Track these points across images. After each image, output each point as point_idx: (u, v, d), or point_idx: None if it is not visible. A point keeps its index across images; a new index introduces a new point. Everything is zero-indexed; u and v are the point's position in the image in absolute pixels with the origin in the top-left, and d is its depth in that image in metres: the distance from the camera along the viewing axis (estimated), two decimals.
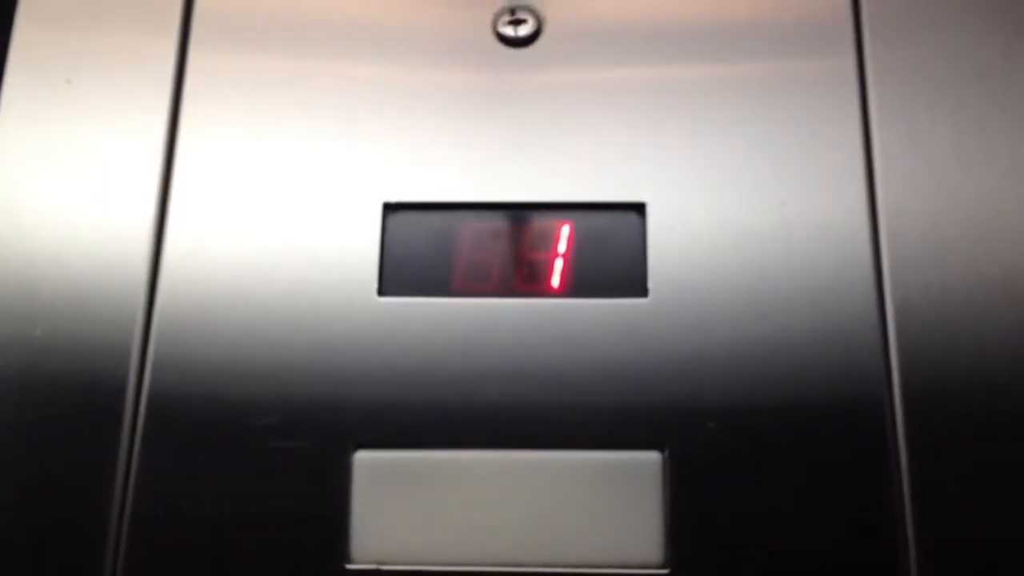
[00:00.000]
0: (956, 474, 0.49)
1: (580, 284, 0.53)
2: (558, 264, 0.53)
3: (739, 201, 0.53)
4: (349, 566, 0.49)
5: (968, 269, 0.52)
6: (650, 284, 0.52)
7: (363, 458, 0.50)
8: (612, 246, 0.54)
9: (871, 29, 0.56)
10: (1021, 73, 0.55)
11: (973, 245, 0.52)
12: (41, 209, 0.54)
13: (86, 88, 0.56)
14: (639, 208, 0.54)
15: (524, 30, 0.57)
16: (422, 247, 0.54)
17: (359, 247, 0.53)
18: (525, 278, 0.53)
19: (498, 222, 0.54)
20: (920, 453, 0.49)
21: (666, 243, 0.53)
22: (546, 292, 0.53)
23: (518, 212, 0.55)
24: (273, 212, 0.54)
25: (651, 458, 0.50)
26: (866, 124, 0.55)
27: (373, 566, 0.49)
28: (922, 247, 0.52)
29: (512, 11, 0.58)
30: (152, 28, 0.57)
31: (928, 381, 0.50)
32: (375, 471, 0.50)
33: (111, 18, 0.57)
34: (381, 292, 0.53)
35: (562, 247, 0.54)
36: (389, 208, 0.54)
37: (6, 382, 0.51)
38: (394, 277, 0.53)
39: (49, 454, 0.50)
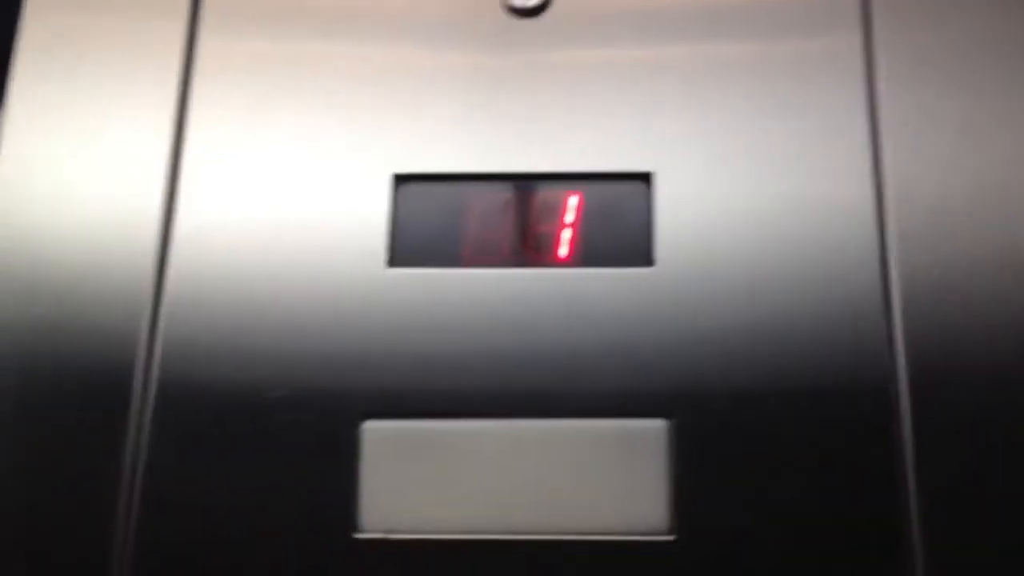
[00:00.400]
0: (959, 449, 0.49)
1: (588, 254, 0.53)
2: (566, 234, 0.54)
3: (745, 175, 0.54)
4: (357, 535, 0.49)
5: (974, 247, 0.52)
6: (656, 253, 0.53)
7: (371, 428, 0.51)
8: (619, 216, 0.54)
9: (879, 6, 0.56)
10: None
11: (979, 223, 0.52)
12: (51, 191, 0.54)
13: (95, 72, 0.56)
14: (646, 178, 0.54)
15: (534, 0, 0.57)
16: (431, 218, 0.54)
17: (369, 219, 0.54)
18: (533, 248, 0.54)
19: (506, 193, 0.55)
20: (923, 425, 0.49)
21: (673, 213, 0.53)
22: (554, 262, 0.53)
23: (526, 183, 0.55)
24: (283, 187, 0.54)
25: (657, 426, 0.50)
26: (872, 100, 0.54)
27: (381, 535, 0.49)
28: (928, 224, 0.52)
29: None
30: (161, 11, 0.57)
31: (932, 356, 0.50)
32: (383, 441, 0.50)
33: (120, 2, 0.58)
34: (391, 263, 0.53)
35: (570, 217, 0.54)
36: (399, 180, 0.55)
37: (14, 363, 0.52)
38: (404, 249, 0.54)
39: (56, 435, 0.51)
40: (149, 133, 0.55)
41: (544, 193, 0.55)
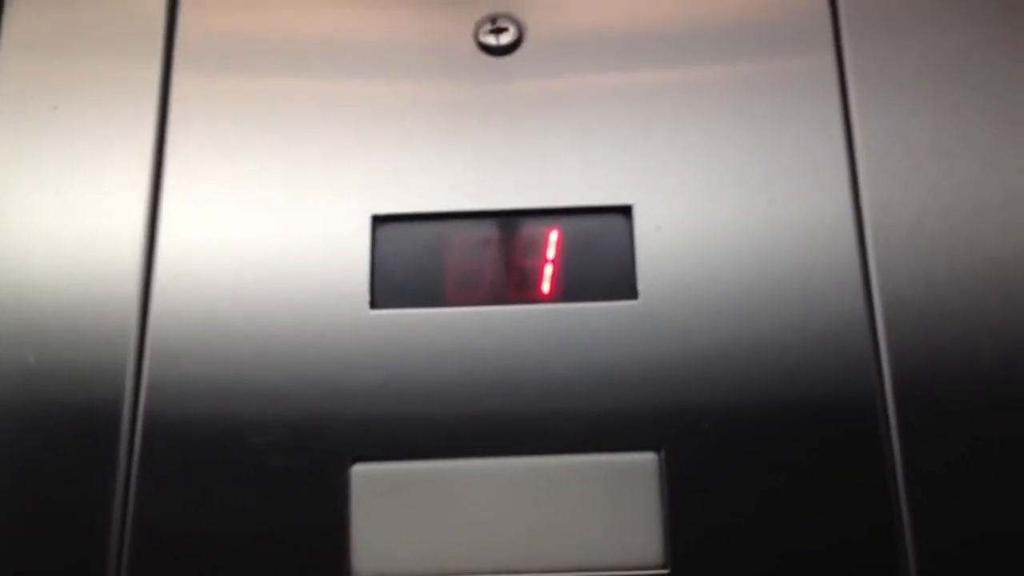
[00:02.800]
0: (950, 465, 0.49)
1: (570, 289, 0.53)
2: (548, 270, 0.54)
3: (725, 201, 0.54)
4: None
5: (953, 261, 0.52)
6: (639, 286, 0.53)
7: (360, 471, 0.50)
8: (601, 250, 0.54)
9: (848, 26, 0.57)
10: (998, 64, 0.55)
11: (957, 237, 0.53)
12: (29, 235, 0.54)
13: (72, 114, 0.56)
14: (626, 211, 0.54)
15: (506, 38, 0.58)
16: (412, 258, 0.54)
17: (349, 261, 0.54)
18: (516, 285, 0.54)
19: (486, 230, 0.55)
20: (913, 446, 0.50)
21: (654, 245, 0.53)
22: (537, 298, 0.53)
23: (506, 219, 0.55)
24: (262, 229, 0.54)
25: (647, 459, 0.50)
26: (847, 120, 0.55)
27: None
28: (908, 241, 0.53)
29: (493, 20, 0.58)
30: (135, 53, 0.57)
31: (919, 374, 0.50)
32: (373, 483, 0.50)
33: (94, 44, 0.58)
34: (373, 305, 0.53)
35: (551, 252, 0.54)
36: (378, 220, 0.54)
37: (2, 410, 0.51)
38: (386, 289, 0.53)
39: (47, 481, 0.50)
40: (127, 175, 0.55)
41: (524, 229, 0.55)
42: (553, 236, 0.54)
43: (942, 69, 0.55)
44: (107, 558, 0.49)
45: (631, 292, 0.53)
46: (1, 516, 0.50)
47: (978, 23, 0.56)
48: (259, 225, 0.54)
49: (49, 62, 0.57)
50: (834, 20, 0.57)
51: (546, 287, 0.53)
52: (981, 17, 0.56)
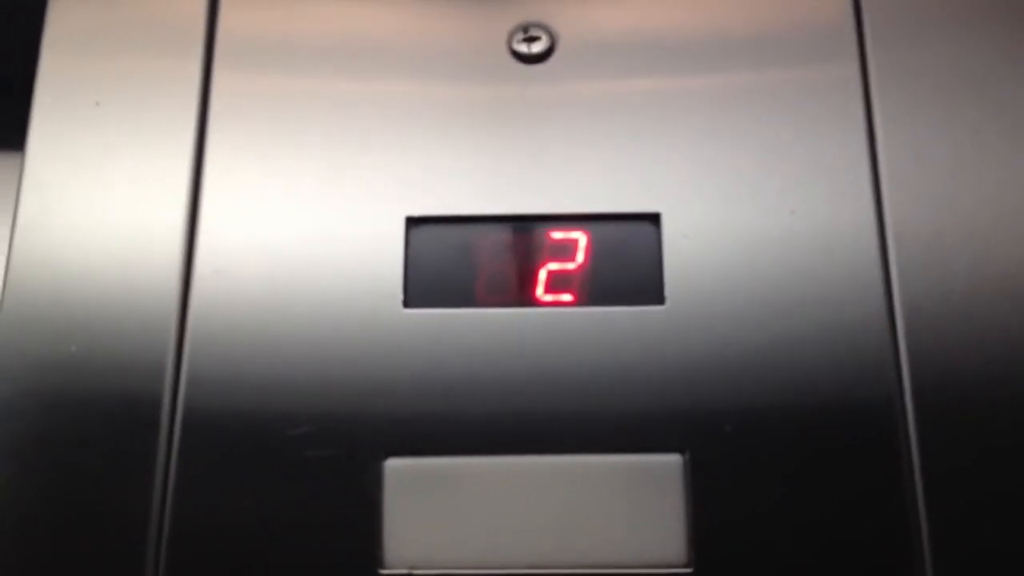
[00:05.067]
0: (967, 469, 0.51)
1: (598, 293, 0.55)
2: (576, 274, 0.55)
3: (750, 210, 0.55)
4: (382, 571, 0.50)
5: (971, 271, 0.53)
6: (666, 292, 0.54)
7: (394, 466, 0.51)
8: (629, 255, 0.55)
9: (873, 37, 0.58)
10: (1017, 80, 0.57)
11: (975, 249, 0.54)
12: (72, 230, 0.55)
13: (114, 110, 0.57)
14: (654, 218, 0.55)
15: (538, 47, 0.59)
16: (445, 260, 0.55)
17: (384, 261, 0.55)
18: (544, 288, 0.55)
19: (518, 234, 0.56)
20: (931, 450, 0.51)
21: (681, 252, 0.55)
22: (565, 301, 0.54)
23: (536, 224, 0.56)
24: (299, 228, 0.55)
25: (672, 460, 0.51)
26: (871, 131, 0.56)
27: (405, 571, 0.50)
28: (928, 252, 0.54)
29: (526, 29, 0.59)
30: (176, 51, 0.58)
31: (938, 383, 0.52)
32: (406, 478, 0.51)
33: (135, 42, 0.59)
34: (407, 304, 0.54)
35: (580, 257, 0.55)
36: (412, 222, 0.56)
37: (44, 399, 0.52)
38: (418, 289, 0.55)
39: (87, 471, 0.51)
40: (168, 171, 0.56)
41: (554, 234, 0.56)
42: (583, 241, 0.55)
43: (963, 83, 0.57)
44: (146, 546, 0.50)
45: (658, 298, 0.54)
46: (41, 505, 0.51)
47: (999, 39, 0.57)
48: (296, 224, 0.55)
49: (91, 59, 0.58)
50: (859, 31, 0.58)
51: (575, 291, 0.55)
52: (1002, 33, 0.57)
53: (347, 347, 0.53)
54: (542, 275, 0.55)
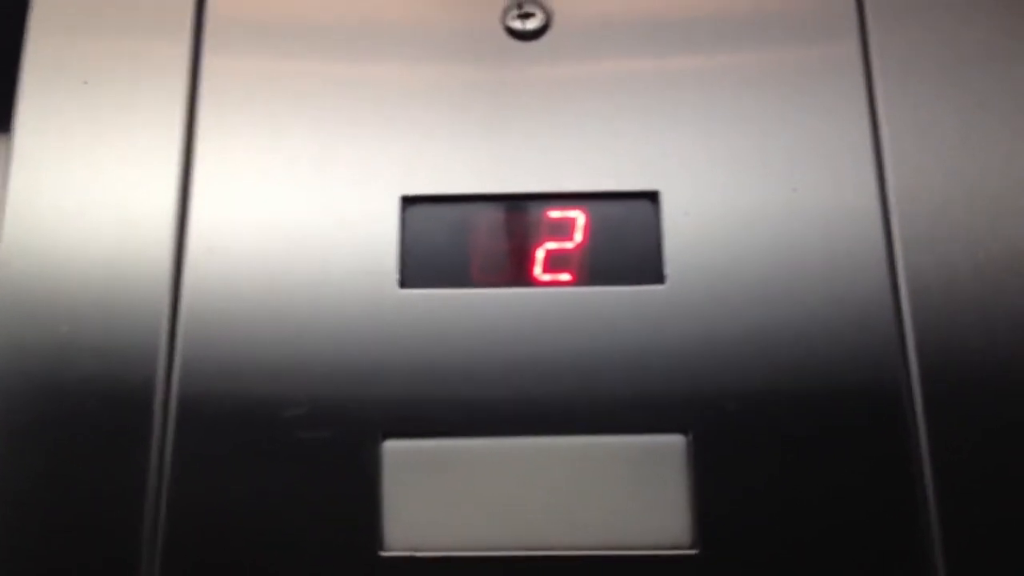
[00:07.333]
0: (974, 449, 0.50)
1: (597, 272, 0.54)
2: (575, 253, 0.54)
3: (751, 187, 0.54)
4: (383, 553, 0.49)
5: (976, 249, 0.53)
6: (666, 271, 0.53)
7: (392, 447, 0.51)
8: (627, 234, 0.55)
9: (874, 14, 0.57)
10: (1020, 55, 0.56)
11: (980, 226, 0.53)
12: (62, 209, 0.54)
13: (103, 89, 0.56)
14: (653, 196, 0.55)
15: (532, 23, 0.58)
16: (440, 239, 0.55)
17: (379, 240, 0.54)
18: (542, 267, 0.54)
19: (513, 213, 0.55)
20: (938, 430, 0.50)
21: (681, 230, 0.54)
22: (564, 281, 0.54)
23: (533, 203, 0.55)
24: (293, 208, 0.54)
25: (675, 441, 0.51)
26: (873, 108, 0.56)
27: (407, 553, 0.49)
28: (932, 229, 0.53)
29: (520, 5, 0.58)
30: (165, 31, 0.57)
31: (944, 360, 0.51)
32: (404, 460, 0.51)
33: (124, 21, 0.58)
34: (402, 284, 0.53)
35: (578, 236, 0.55)
36: (407, 201, 0.55)
37: (35, 380, 0.51)
38: (414, 269, 0.54)
39: (81, 453, 0.50)
40: (157, 150, 0.55)
41: (551, 212, 0.55)
42: (581, 220, 0.55)
43: (966, 59, 0.56)
44: (142, 530, 0.49)
45: (658, 277, 0.53)
46: (35, 490, 0.50)
47: (1000, 15, 0.57)
48: (290, 204, 0.54)
49: (79, 38, 0.57)
50: (860, 8, 0.58)
51: (573, 270, 0.54)
52: (1004, 9, 0.57)
53: (343, 327, 0.52)
54: (540, 254, 0.54)
